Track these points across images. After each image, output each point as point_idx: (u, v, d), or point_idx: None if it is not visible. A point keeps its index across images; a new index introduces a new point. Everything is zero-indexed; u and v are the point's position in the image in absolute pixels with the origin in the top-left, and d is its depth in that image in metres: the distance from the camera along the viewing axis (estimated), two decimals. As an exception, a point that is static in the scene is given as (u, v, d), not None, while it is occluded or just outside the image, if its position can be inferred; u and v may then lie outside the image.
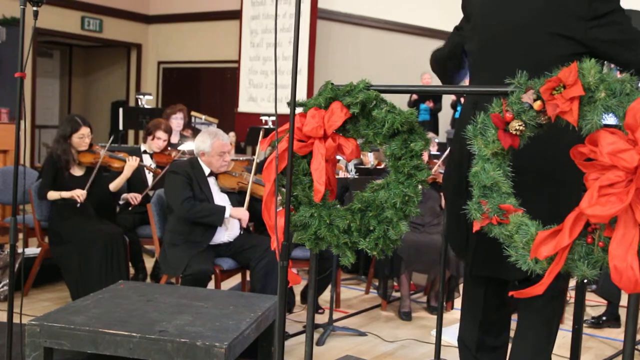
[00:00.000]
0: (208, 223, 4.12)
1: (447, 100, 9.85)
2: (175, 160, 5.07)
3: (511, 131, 1.90)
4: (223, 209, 4.14)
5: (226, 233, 4.23)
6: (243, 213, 4.22)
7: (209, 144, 4.25)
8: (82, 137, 4.64)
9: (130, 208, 5.12)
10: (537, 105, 1.87)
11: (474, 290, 2.55)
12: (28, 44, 2.62)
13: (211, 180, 4.31)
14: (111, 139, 5.14)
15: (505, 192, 1.91)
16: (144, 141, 5.50)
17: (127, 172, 4.84)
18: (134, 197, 5.06)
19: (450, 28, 2.62)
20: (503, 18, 2.31)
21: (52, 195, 4.59)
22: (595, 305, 5.16)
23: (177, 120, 6.35)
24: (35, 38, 10.31)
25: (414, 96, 9.72)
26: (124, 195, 5.12)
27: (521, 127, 1.89)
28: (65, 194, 4.57)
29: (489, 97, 2.02)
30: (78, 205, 4.55)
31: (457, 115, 9.38)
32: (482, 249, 2.36)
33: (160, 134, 5.35)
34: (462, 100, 9.12)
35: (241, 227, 4.29)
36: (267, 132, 6.49)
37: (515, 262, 1.87)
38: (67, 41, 12.14)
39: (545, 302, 2.34)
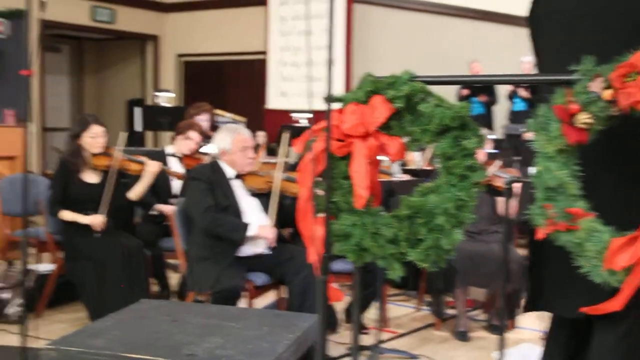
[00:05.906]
0: (229, 239, 4.13)
1: (503, 91, 9.72)
2: (196, 165, 5.09)
3: (578, 125, 1.88)
4: (246, 226, 4.13)
5: (257, 243, 4.24)
6: (269, 232, 4.18)
7: (229, 140, 4.28)
8: (94, 137, 4.61)
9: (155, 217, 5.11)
10: (606, 94, 1.85)
11: (556, 321, 2.49)
12: (34, 38, 2.63)
13: (236, 184, 4.32)
14: (120, 136, 4.85)
15: (573, 195, 1.90)
16: (172, 141, 5.53)
17: (147, 179, 4.80)
18: (169, 210, 4.85)
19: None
20: None
21: (66, 216, 4.58)
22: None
23: (202, 123, 6.38)
24: (42, 31, 10.50)
25: (464, 91, 9.57)
26: (157, 206, 5.11)
27: (589, 120, 1.87)
28: (82, 219, 4.56)
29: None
30: (98, 235, 4.57)
31: (514, 107, 9.26)
32: (541, 278, 2.32)
33: (193, 134, 5.36)
34: (519, 91, 9.03)
35: (269, 247, 4.24)
36: (296, 131, 6.44)
37: (586, 273, 1.85)
38: (77, 34, 12.33)
39: (621, 316, 2.27)
